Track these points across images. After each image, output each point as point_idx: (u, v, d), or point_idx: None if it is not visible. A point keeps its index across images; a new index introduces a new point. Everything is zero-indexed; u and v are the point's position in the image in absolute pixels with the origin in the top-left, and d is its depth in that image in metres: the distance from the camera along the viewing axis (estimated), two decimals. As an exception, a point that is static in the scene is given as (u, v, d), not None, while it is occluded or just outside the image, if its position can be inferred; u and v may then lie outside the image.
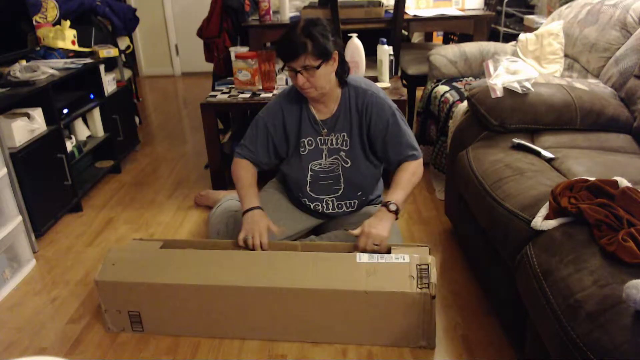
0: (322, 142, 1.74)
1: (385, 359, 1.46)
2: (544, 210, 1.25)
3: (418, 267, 1.46)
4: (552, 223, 1.21)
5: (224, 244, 1.75)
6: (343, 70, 1.66)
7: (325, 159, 1.75)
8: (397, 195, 1.62)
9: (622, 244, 1.03)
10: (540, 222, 1.23)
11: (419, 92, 3.03)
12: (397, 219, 1.63)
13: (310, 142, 1.74)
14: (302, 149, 1.75)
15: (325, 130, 1.72)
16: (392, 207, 1.60)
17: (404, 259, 1.49)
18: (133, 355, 1.51)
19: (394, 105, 1.71)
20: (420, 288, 1.43)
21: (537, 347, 1.20)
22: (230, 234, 1.86)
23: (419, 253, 1.63)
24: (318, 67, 1.55)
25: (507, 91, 1.72)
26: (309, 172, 1.77)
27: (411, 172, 1.67)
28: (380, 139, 1.70)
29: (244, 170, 1.76)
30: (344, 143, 1.73)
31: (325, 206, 1.82)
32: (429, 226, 2.17)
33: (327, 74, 1.59)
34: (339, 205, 1.83)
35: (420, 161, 1.72)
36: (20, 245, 1.95)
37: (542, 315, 1.09)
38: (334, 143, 1.73)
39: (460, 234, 1.98)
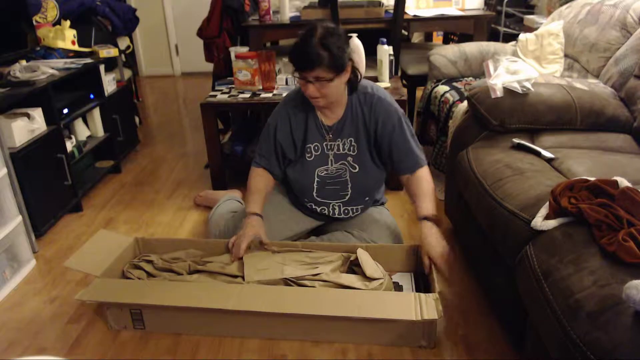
0: (329, 147, 1.72)
1: (385, 359, 1.46)
2: (544, 210, 1.25)
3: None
4: (552, 223, 1.21)
5: (223, 244, 1.75)
6: (355, 78, 1.64)
7: (332, 165, 1.73)
8: (430, 205, 1.64)
9: (622, 244, 1.03)
10: (540, 222, 1.23)
11: (419, 92, 3.03)
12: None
13: (316, 148, 1.72)
14: (308, 155, 1.73)
15: (331, 136, 1.71)
16: (433, 218, 1.61)
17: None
18: (133, 355, 1.51)
19: (401, 111, 1.70)
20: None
21: (537, 347, 1.20)
22: (229, 234, 1.86)
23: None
24: (331, 80, 1.52)
25: (507, 91, 1.72)
26: (316, 178, 1.75)
27: (429, 180, 1.69)
28: (387, 144, 1.69)
29: (257, 177, 1.76)
30: (352, 148, 1.71)
31: (331, 210, 1.81)
32: (429, 226, 2.16)
33: (339, 85, 1.56)
34: (345, 211, 1.82)
35: (427, 167, 1.72)
36: (20, 245, 1.95)
37: (542, 315, 1.09)
38: (341, 148, 1.72)
39: (460, 234, 1.98)
